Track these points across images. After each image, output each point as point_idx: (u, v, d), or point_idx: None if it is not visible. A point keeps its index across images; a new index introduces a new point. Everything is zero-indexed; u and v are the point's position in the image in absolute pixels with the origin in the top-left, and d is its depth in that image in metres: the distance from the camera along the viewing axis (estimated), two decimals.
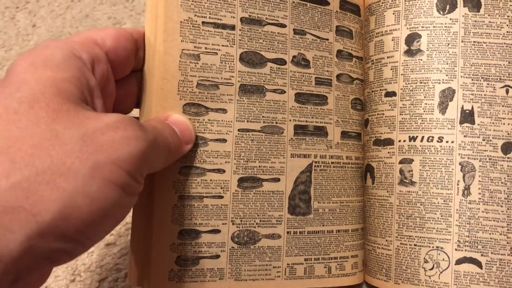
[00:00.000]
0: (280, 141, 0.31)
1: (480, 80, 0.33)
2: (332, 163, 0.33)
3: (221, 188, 0.30)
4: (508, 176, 0.33)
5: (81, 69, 0.23)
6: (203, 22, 0.29)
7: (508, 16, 0.33)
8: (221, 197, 0.30)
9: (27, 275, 0.19)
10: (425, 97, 0.34)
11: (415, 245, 0.33)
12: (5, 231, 0.17)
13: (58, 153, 0.19)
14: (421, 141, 0.34)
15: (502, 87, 0.33)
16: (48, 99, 0.20)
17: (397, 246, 0.34)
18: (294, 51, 0.32)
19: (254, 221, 0.31)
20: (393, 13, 0.35)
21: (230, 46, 0.30)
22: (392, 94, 0.35)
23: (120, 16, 0.41)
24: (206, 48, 0.29)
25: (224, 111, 0.30)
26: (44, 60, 0.22)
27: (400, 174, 0.34)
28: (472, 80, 0.33)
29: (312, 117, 0.32)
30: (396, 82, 0.35)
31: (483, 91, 0.33)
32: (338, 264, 0.33)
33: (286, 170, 0.31)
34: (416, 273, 0.33)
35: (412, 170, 0.34)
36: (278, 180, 0.31)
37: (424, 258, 0.33)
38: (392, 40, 0.35)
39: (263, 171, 0.31)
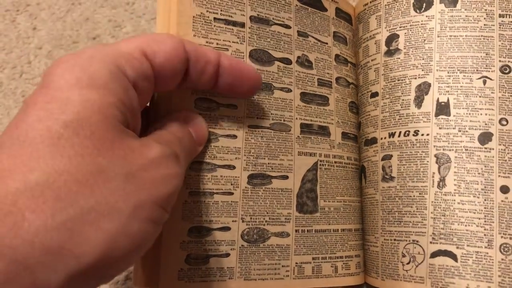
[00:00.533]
0: (288, 138, 0.32)
1: (456, 72, 0.33)
2: (335, 162, 0.34)
3: (231, 184, 0.29)
4: (485, 166, 0.32)
5: (126, 89, 0.22)
6: (214, 18, 0.30)
7: (486, 10, 0.34)
8: (231, 193, 0.29)
9: None
10: (402, 93, 0.35)
11: (394, 239, 0.33)
12: (48, 270, 0.17)
13: (102, 192, 0.19)
14: (399, 136, 0.35)
15: (479, 78, 0.33)
16: (94, 126, 0.19)
17: (382, 242, 0.34)
18: (299, 52, 0.33)
19: (264, 218, 0.30)
20: (376, 18, 0.37)
21: (240, 43, 0.30)
22: (375, 94, 0.36)
23: (121, 19, 0.41)
24: (217, 43, 0.30)
25: (234, 107, 0.30)
26: (90, 78, 0.20)
27: (382, 170, 0.35)
28: (448, 73, 0.33)
29: (316, 117, 0.33)
30: (378, 83, 0.36)
31: (459, 83, 0.33)
32: (344, 264, 0.33)
33: (294, 168, 0.32)
34: (396, 267, 0.33)
35: (391, 166, 0.34)
36: (286, 177, 0.31)
37: (402, 252, 0.33)
38: (375, 43, 0.37)
39: (272, 168, 0.31)
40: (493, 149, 0.32)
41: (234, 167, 0.30)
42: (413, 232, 0.33)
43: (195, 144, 0.27)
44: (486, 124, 0.32)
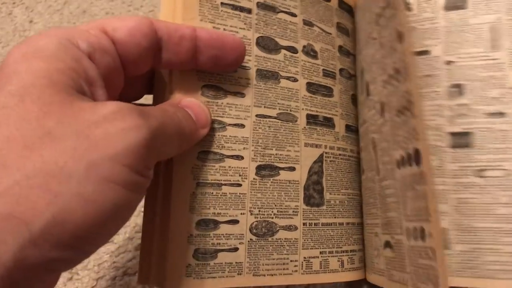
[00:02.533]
0: (295, 129, 0.31)
1: (366, 44, 0.31)
2: (340, 155, 0.33)
3: (240, 175, 0.28)
4: (387, 142, 0.28)
5: (78, 59, 0.21)
6: (221, 3, 0.28)
7: None
8: (240, 185, 0.28)
9: (26, 286, 0.17)
10: (360, 81, 0.34)
11: (370, 232, 0.33)
12: None
13: (50, 153, 0.17)
14: (360, 127, 0.34)
15: (372, 42, 0.29)
16: (39, 91, 0.18)
17: (366, 235, 0.33)
18: (304, 41, 0.32)
19: (272, 211, 0.29)
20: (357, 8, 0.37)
21: (247, 30, 0.29)
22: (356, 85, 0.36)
23: (118, 12, 0.40)
24: (224, 29, 0.28)
25: (242, 95, 0.29)
26: (36, 50, 0.20)
27: (361, 163, 0.34)
28: (365, 48, 0.31)
29: (321, 108, 0.32)
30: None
31: (368, 56, 0.31)
32: (349, 258, 0.32)
33: (300, 159, 0.31)
34: (372, 261, 0.32)
35: (362, 158, 0.34)
36: (293, 169, 0.30)
37: (373, 245, 0.32)
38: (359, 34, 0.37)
39: (279, 159, 0.30)
40: (387, 120, 0.28)
41: (242, 158, 0.28)
42: (375, 224, 0.31)
43: (195, 124, 0.26)
44: (380, 93, 0.29)
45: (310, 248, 0.30)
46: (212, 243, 0.27)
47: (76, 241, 0.18)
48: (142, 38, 0.23)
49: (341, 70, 0.34)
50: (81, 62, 0.21)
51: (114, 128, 0.19)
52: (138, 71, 0.25)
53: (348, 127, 0.34)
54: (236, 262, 0.28)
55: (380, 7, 0.26)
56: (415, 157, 0.22)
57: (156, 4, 0.40)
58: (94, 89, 0.21)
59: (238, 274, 0.28)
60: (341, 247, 0.32)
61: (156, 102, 0.28)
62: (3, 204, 0.16)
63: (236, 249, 0.28)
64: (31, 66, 0.19)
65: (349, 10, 0.37)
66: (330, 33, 0.34)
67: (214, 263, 0.27)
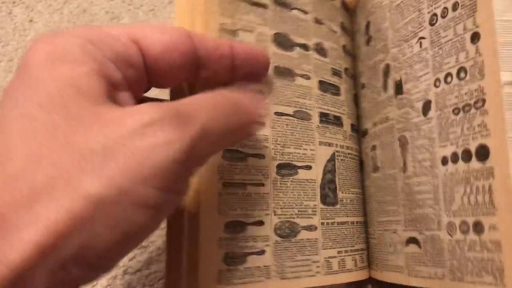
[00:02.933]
0: (309, 127, 0.30)
1: (403, 45, 0.31)
2: (348, 153, 0.33)
3: (262, 174, 0.27)
4: (429, 140, 0.28)
5: (101, 62, 0.19)
6: None
7: None
8: (262, 184, 0.27)
9: None
10: (376, 81, 0.34)
11: (384, 230, 0.32)
12: None
13: (77, 176, 0.16)
14: (377, 125, 0.34)
15: (417, 42, 0.30)
16: (66, 100, 0.17)
17: (378, 233, 0.33)
18: (315, 39, 0.32)
19: (293, 211, 0.28)
20: (359, 9, 0.37)
21: (264, 25, 0.29)
22: (363, 86, 0.36)
23: (118, 11, 0.39)
24: (243, 25, 0.28)
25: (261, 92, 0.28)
26: (61, 54, 0.19)
27: (372, 161, 0.34)
28: (398, 47, 0.31)
29: (331, 106, 0.32)
30: (365, 74, 0.36)
31: (405, 55, 0.30)
32: (360, 256, 0.32)
33: (316, 158, 0.30)
34: (385, 259, 0.32)
35: (376, 156, 0.33)
36: (310, 168, 0.30)
37: (388, 243, 0.32)
38: (360, 34, 0.37)
39: (297, 158, 0.29)
40: (432, 118, 0.28)
41: (263, 156, 0.27)
42: (393, 221, 0.31)
43: (253, 115, 0.23)
44: (425, 92, 0.29)
45: (329, 248, 0.30)
46: (240, 246, 0.26)
47: (100, 261, 0.18)
48: (177, 56, 0.21)
49: (345, 69, 0.35)
50: (106, 65, 0.19)
51: (143, 145, 0.17)
52: (167, 85, 0.23)
53: (352, 126, 0.34)
54: (264, 266, 0.27)
55: (441, 8, 0.27)
56: (479, 154, 0.23)
57: (156, 3, 0.39)
58: (119, 93, 0.20)
59: (266, 278, 0.27)
60: (353, 246, 0.32)
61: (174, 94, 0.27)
62: (34, 230, 0.15)
63: (263, 252, 0.27)
64: (56, 72, 0.18)
65: (348, 10, 0.37)
66: (336, 32, 0.34)
67: (244, 268, 0.26)
